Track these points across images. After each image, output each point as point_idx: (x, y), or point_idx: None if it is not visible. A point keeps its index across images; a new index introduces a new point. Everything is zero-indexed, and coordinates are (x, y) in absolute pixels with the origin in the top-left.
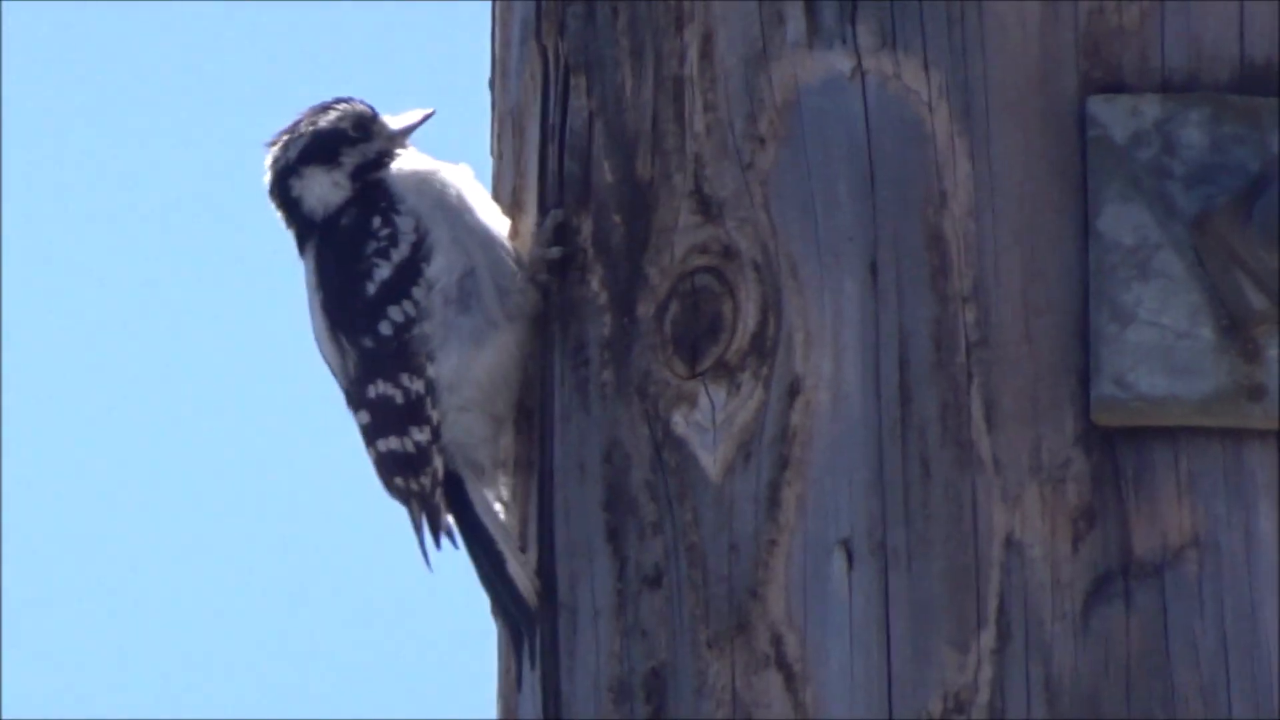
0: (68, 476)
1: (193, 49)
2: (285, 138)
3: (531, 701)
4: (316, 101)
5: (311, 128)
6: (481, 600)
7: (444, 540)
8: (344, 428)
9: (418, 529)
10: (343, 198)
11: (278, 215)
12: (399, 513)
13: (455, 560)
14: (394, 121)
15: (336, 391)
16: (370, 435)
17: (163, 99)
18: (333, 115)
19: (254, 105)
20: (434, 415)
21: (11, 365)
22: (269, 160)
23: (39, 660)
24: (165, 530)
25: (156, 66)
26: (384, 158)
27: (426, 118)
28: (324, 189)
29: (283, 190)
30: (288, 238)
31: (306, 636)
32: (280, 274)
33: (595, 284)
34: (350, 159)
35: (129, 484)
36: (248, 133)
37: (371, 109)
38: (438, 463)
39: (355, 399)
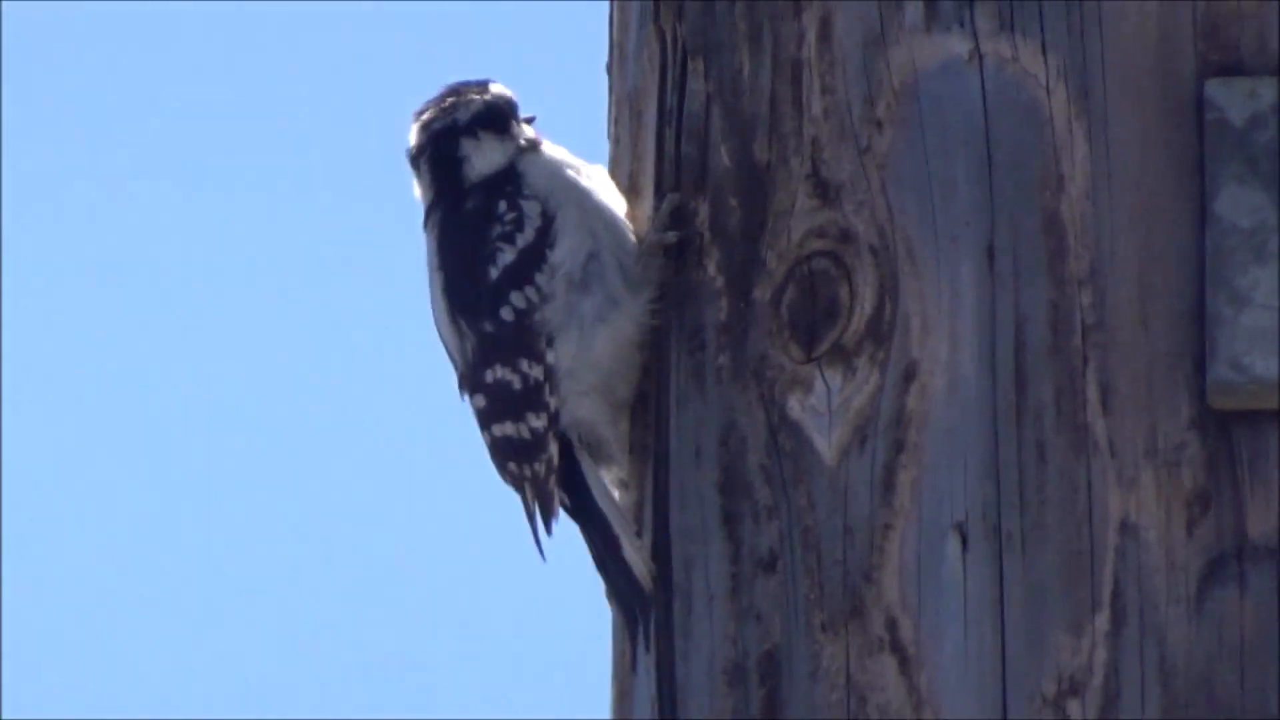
0: (68, 476)
1: (202, 49)
2: (451, 100)
3: (646, 685)
4: (456, 81)
5: (482, 96)
6: (596, 585)
7: (559, 529)
8: (335, 426)
9: (530, 517)
10: (499, 167)
11: (425, 177)
12: (508, 502)
13: (573, 546)
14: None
15: (445, 375)
16: (485, 420)
17: (163, 99)
18: (498, 89)
19: (247, 100)
20: (552, 402)
21: (12, 365)
22: (428, 120)
23: (39, 660)
24: (166, 530)
25: (157, 66)
26: (535, 142)
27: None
28: (493, 154)
29: (446, 149)
30: (415, 208)
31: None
32: (280, 273)
33: (711, 268)
34: (518, 133)
35: (129, 484)
36: (247, 132)
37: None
38: (553, 449)
39: (471, 383)
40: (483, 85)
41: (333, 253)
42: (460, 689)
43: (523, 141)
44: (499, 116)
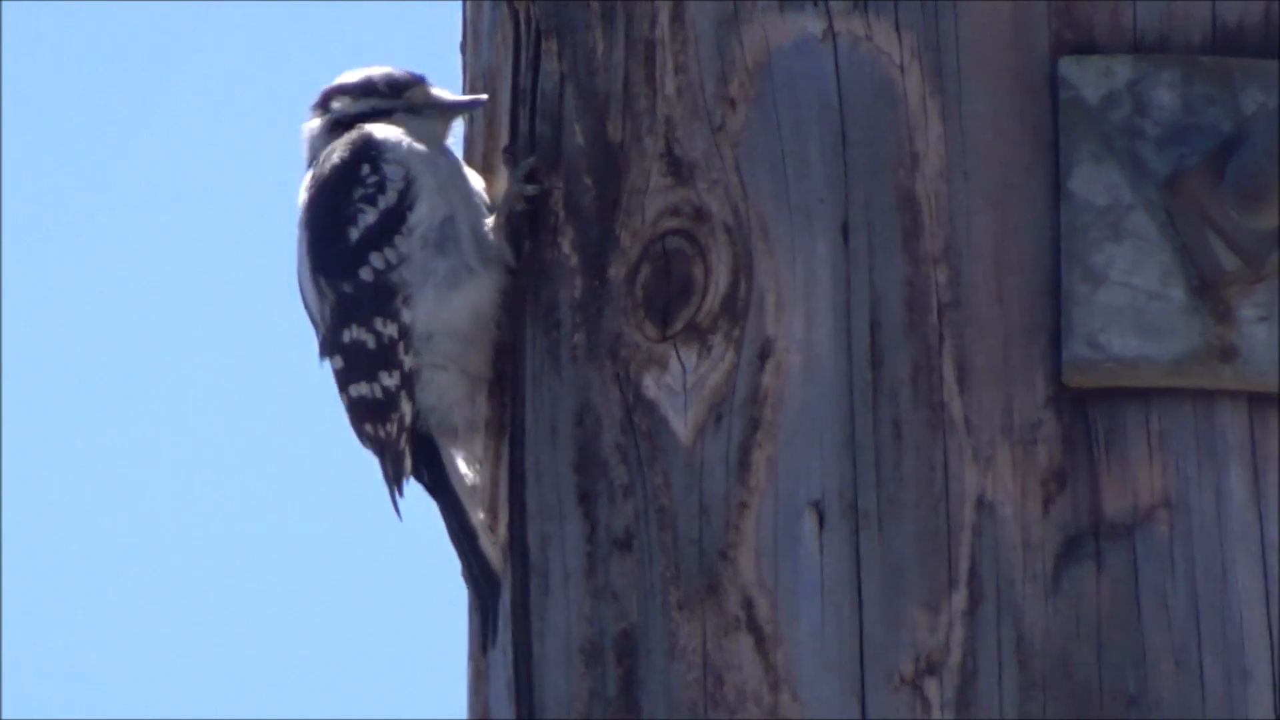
0: (68, 476)
1: (193, 48)
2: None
3: (502, 663)
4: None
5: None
6: (452, 562)
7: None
8: (336, 426)
9: (387, 479)
10: (324, 142)
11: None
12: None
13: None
14: (443, 95)
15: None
16: (343, 381)
17: (163, 99)
18: (370, 73)
19: (248, 101)
20: (405, 361)
21: (12, 365)
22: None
23: (39, 660)
24: (166, 530)
25: (157, 66)
26: (381, 115)
27: (476, 102)
28: (312, 133)
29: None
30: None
31: (306, 622)
32: (279, 274)
33: (566, 247)
34: (341, 109)
35: (129, 484)
36: (246, 132)
37: (415, 77)
38: (406, 409)
39: (330, 345)
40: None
41: None
42: (317, 666)
43: (369, 109)
44: (327, 97)
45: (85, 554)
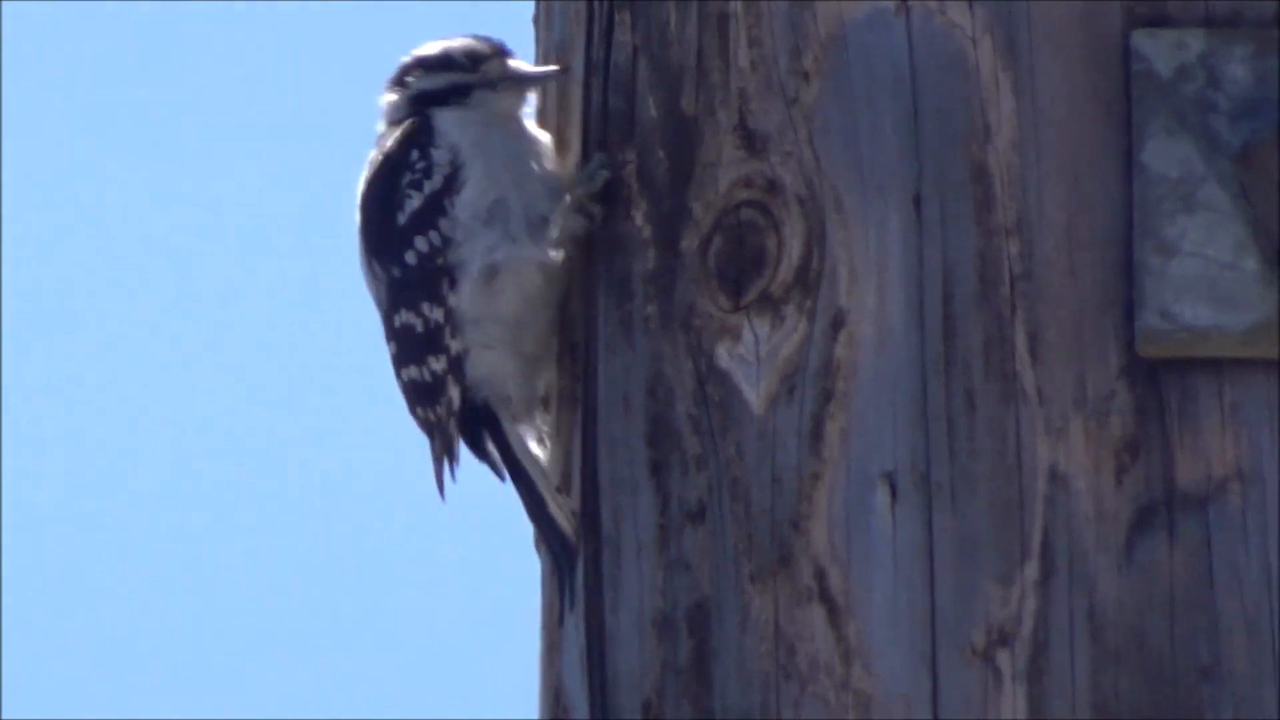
0: (68, 476)
1: (194, 48)
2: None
3: (575, 636)
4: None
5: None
6: (526, 536)
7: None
8: (337, 425)
9: (436, 460)
10: (398, 118)
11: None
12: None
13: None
14: (520, 67)
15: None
16: (397, 365)
17: (163, 99)
18: (450, 45)
19: (255, 99)
20: (452, 345)
21: (12, 365)
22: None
23: (39, 660)
24: (166, 529)
25: (157, 67)
26: (457, 91)
27: (552, 73)
28: (387, 108)
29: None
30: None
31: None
32: (280, 274)
33: (639, 219)
34: (417, 84)
35: (129, 484)
36: (246, 131)
37: (495, 46)
38: (454, 393)
39: (387, 330)
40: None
41: (334, 252)
42: (388, 650)
43: (442, 85)
44: (404, 71)
45: (85, 554)
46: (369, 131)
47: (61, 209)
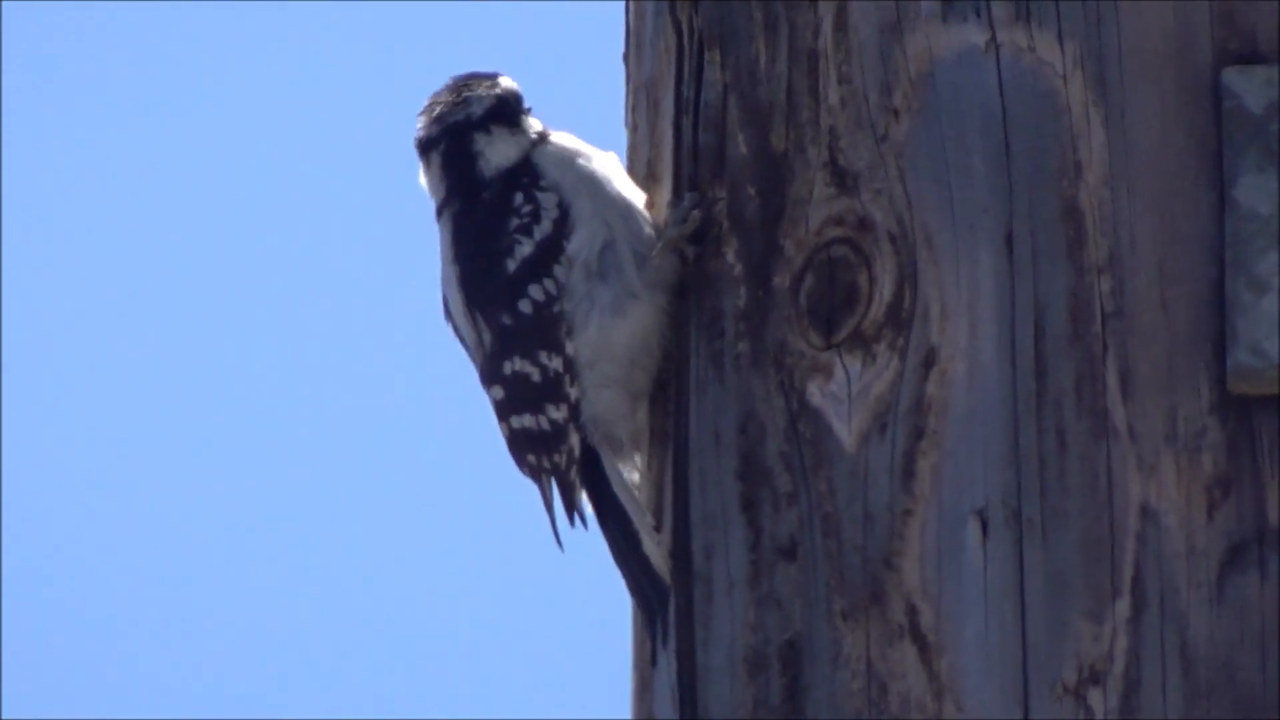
0: (68, 476)
1: (195, 49)
2: (462, 95)
3: (667, 674)
4: (461, 74)
5: (493, 90)
6: (616, 575)
7: (575, 522)
8: (340, 425)
9: (549, 508)
10: (514, 161)
11: (436, 171)
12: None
13: (593, 536)
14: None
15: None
16: (504, 412)
17: (163, 99)
18: (507, 83)
19: (255, 99)
20: (572, 393)
21: (12, 365)
22: (441, 114)
23: (39, 660)
24: (166, 529)
25: (158, 67)
26: (544, 134)
27: None
28: (507, 148)
29: (460, 143)
30: (426, 201)
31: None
32: (279, 274)
33: (730, 256)
34: (528, 126)
35: (129, 484)
36: (246, 131)
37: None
38: (574, 440)
39: (490, 375)
40: (492, 79)
41: (334, 252)
42: (482, 683)
43: (533, 134)
44: (510, 110)
45: (85, 554)
46: (369, 131)
47: (61, 209)
